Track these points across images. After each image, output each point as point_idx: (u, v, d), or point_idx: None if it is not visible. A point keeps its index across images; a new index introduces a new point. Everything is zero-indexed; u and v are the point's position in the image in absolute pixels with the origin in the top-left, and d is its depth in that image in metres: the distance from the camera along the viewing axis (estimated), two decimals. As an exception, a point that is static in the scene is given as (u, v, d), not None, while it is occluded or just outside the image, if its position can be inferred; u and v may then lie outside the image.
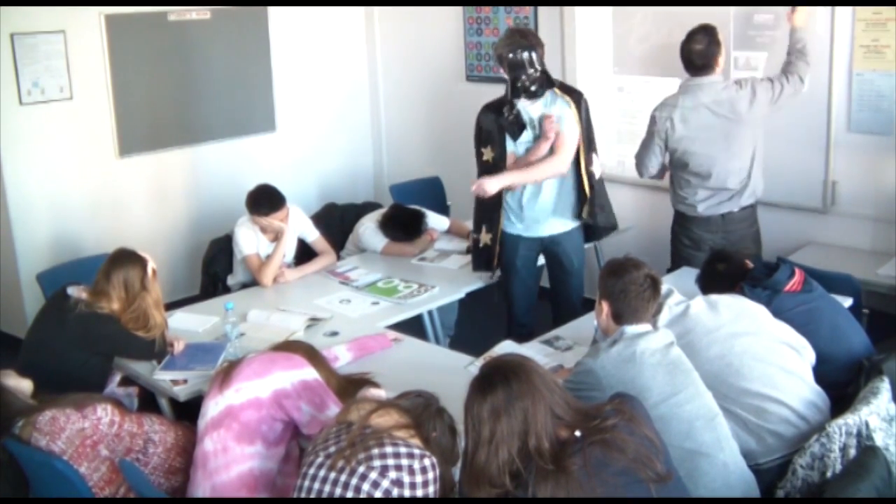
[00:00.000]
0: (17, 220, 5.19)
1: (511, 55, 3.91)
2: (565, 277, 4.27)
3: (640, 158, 4.33)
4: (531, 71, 3.92)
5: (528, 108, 4.00)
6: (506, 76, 3.99)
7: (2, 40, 4.98)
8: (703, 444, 2.51)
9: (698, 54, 4.09)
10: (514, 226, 4.19)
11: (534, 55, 3.91)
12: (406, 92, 6.59)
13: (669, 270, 4.32)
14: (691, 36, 4.12)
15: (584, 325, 3.61)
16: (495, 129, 4.08)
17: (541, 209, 4.12)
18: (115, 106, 5.46)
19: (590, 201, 4.13)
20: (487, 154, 4.12)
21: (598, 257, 5.22)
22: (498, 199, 4.13)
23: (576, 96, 4.08)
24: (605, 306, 2.77)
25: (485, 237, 4.21)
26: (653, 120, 4.21)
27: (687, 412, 2.53)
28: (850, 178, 4.54)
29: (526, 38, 3.96)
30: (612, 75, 5.34)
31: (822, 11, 4.42)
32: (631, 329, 2.69)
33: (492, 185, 3.96)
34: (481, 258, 4.28)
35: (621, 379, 2.54)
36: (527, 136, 4.04)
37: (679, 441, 2.45)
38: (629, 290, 2.70)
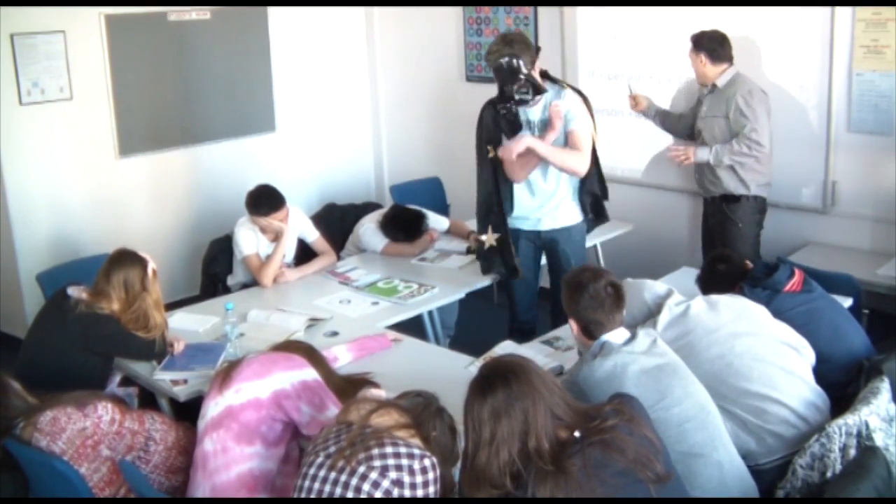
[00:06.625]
0: (17, 220, 5.19)
1: (495, 63, 3.87)
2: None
3: None
4: (515, 78, 3.82)
5: (528, 109, 3.98)
6: None
7: (2, 40, 4.98)
8: (694, 444, 2.50)
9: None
10: (512, 221, 4.17)
11: (519, 62, 3.81)
12: (406, 92, 6.58)
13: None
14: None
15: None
16: (493, 125, 4.06)
17: (539, 201, 4.10)
18: (115, 106, 5.46)
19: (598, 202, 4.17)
20: (493, 152, 4.09)
21: (598, 257, 5.21)
22: (498, 197, 4.13)
23: (582, 97, 4.07)
24: (573, 324, 2.77)
25: (490, 238, 4.19)
26: None
27: (676, 415, 2.51)
28: (850, 178, 4.54)
29: (510, 45, 3.85)
30: (612, 75, 5.34)
31: (822, 11, 4.43)
32: (609, 338, 2.67)
33: (516, 146, 3.86)
34: (489, 260, 4.23)
35: (605, 391, 2.53)
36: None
37: (670, 444, 2.43)
38: (591, 305, 2.68)
